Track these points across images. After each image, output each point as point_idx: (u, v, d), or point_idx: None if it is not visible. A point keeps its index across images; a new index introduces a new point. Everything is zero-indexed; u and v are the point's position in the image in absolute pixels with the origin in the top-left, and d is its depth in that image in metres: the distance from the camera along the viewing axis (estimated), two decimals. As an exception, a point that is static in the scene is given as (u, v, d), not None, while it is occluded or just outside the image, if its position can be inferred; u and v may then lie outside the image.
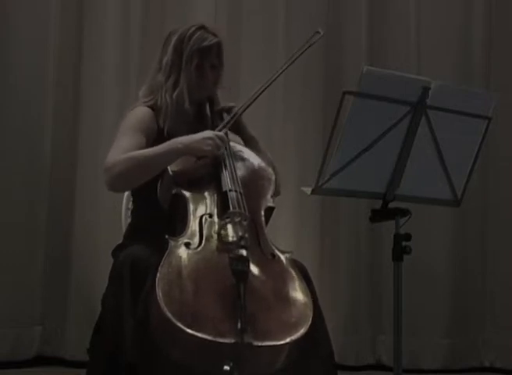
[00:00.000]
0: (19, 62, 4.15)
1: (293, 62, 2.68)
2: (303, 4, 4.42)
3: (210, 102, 2.74)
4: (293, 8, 4.40)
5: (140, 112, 2.65)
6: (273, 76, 2.67)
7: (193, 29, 2.67)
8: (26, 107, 4.14)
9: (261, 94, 2.66)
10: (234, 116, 2.67)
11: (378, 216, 2.52)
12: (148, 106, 2.67)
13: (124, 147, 2.52)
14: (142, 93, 2.74)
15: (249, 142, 2.76)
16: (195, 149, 2.51)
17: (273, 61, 4.14)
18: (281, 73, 2.69)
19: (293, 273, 2.37)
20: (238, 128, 2.75)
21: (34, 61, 4.16)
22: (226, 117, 2.68)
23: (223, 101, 2.78)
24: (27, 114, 4.14)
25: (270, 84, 2.67)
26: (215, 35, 2.69)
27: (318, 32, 2.71)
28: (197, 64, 2.65)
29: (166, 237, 2.31)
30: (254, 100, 2.67)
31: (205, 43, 2.66)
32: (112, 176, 2.47)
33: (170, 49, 2.67)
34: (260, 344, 2.11)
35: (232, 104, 2.74)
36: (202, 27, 2.69)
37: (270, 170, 2.68)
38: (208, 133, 2.55)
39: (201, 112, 2.73)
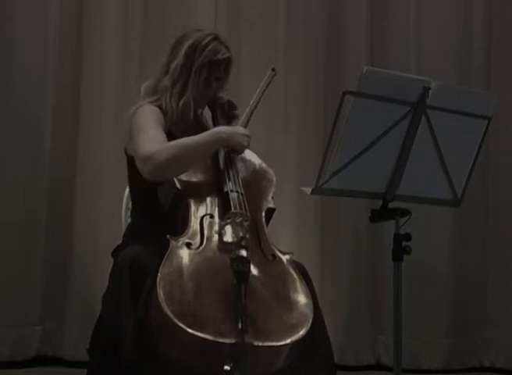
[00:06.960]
0: (19, 62, 4.14)
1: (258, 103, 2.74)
2: (303, 4, 4.42)
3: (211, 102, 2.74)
4: (293, 8, 4.40)
5: (153, 109, 2.63)
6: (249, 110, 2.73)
7: (208, 39, 2.64)
8: (26, 107, 4.14)
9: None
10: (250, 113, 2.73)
11: (378, 216, 2.52)
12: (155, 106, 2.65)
13: (156, 138, 2.50)
14: (145, 90, 2.72)
15: None
16: (236, 143, 2.55)
17: (273, 61, 4.13)
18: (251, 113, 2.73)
19: (294, 274, 2.37)
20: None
21: (34, 61, 4.16)
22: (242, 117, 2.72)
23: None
24: (27, 114, 4.14)
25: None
26: (227, 48, 2.68)
27: (272, 69, 2.76)
28: (206, 76, 2.65)
29: (167, 236, 2.31)
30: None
31: (218, 56, 2.64)
32: (157, 165, 2.42)
33: (181, 55, 2.64)
34: (260, 344, 2.11)
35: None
36: (216, 38, 2.66)
37: (271, 172, 2.68)
38: (243, 129, 2.60)
39: (197, 114, 2.73)
